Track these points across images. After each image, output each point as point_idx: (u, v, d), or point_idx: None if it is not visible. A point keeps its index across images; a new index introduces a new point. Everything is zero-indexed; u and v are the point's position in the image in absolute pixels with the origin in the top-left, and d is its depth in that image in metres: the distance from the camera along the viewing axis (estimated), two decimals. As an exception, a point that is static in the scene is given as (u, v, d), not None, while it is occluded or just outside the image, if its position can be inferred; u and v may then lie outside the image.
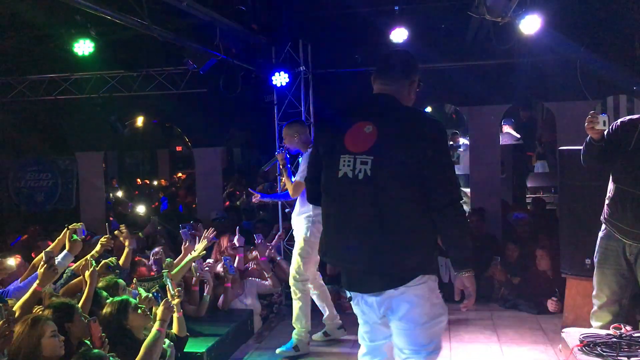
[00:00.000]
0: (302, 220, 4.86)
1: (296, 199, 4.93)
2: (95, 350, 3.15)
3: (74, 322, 3.36)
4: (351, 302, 2.83)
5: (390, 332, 2.73)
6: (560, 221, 5.31)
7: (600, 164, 3.86)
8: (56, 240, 4.43)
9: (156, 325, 3.51)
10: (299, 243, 4.89)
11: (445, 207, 2.56)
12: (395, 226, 2.57)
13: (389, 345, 2.79)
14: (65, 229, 4.35)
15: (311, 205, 4.70)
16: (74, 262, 4.37)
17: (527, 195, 9.93)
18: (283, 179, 4.98)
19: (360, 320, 2.87)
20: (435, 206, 2.56)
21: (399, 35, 6.31)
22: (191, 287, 5.38)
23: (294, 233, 5.07)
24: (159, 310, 3.63)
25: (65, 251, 4.17)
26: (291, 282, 4.90)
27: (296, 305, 4.90)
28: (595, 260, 4.05)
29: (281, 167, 4.91)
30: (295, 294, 4.89)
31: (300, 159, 4.92)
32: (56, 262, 3.88)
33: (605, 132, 3.70)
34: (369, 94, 2.84)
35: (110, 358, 3.19)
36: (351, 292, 2.79)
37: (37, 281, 3.52)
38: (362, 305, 2.76)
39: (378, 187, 2.56)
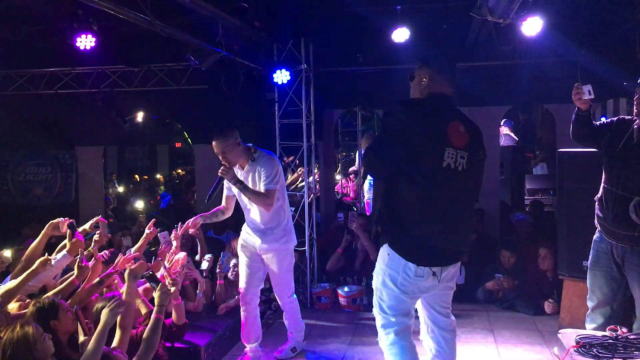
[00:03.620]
0: (279, 233, 4.52)
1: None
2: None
3: (60, 319, 3.41)
4: (415, 279, 3.05)
5: None
6: (559, 223, 5.34)
7: (588, 138, 3.96)
8: (39, 236, 4.44)
9: (154, 311, 3.49)
10: (285, 259, 4.59)
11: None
12: (472, 212, 3.31)
13: None
14: (48, 225, 4.38)
15: (285, 214, 4.55)
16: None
17: (526, 197, 9.95)
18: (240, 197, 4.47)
19: (408, 300, 3.13)
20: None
21: (400, 35, 6.31)
22: (182, 283, 5.38)
23: (263, 252, 4.58)
24: (156, 295, 3.61)
25: (64, 251, 4.18)
26: (283, 301, 4.77)
27: (289, 314, 4.87)
28: (588, 262, 4.09)
29: (236, 185, 4.27)
30: (288, 309, 4.83)
31: (260, 168, 4.35)
32: (53, 262, 3.95)
33: (604, 120, 3.93)
34: (437, 92, 3.14)
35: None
36: (427, 268, 3.04)
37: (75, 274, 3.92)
38: (428, 278, 3.05)
39: (470, 180, 3.08)
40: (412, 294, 3.11)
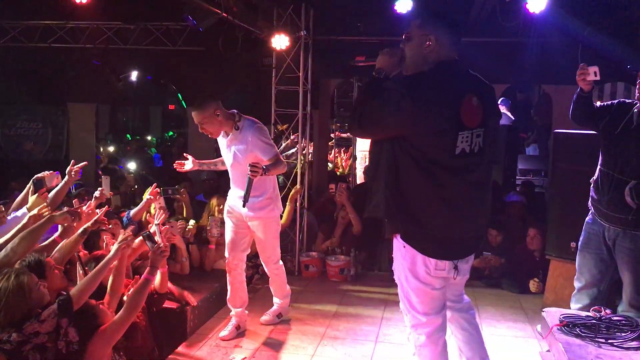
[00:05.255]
0: (264, 201, 4.46)
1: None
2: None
3: (47, 278, 3.34)
4: (436, 272, 2.79)
5: None
6: (549, 203, 5.36)
7: (587, 120, 3.95)
8: (24, 191, 4.38)
9: (146, 271, 3.46)
10: (271, 226, 4.57)
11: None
12: (489, 191, 2.89)
13: None
14: (31, 182, 4.31)
15: (270, 182, 4.49)
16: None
17: (517, 177, 9.99)
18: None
19: (435, 293, 2.84)
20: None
21: (403, 5, 6.23)
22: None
23: (249, 220, 4.52)
24: (150, 256, 3.57)
25: (24, 208, 4.08)
26: (269, 267, 4.77)
27: (275, 280, 4.88)
28: (579, 243, 4.12)
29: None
30: (274, 275, 4.83)
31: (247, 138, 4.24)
32: (8, 218, 3.89)
33: (605, 103, 3.92)
34: (447, 59, 2.74)
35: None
36: (448, 261, 2.80)
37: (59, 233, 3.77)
38: (450, 272, 2.82)
39: (487, 156, 2.77)
40: (439, 286, 2.84)
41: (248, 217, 4.53)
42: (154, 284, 4.13)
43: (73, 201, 4.44)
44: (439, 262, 2.77)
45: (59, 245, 3.73)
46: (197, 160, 4.66)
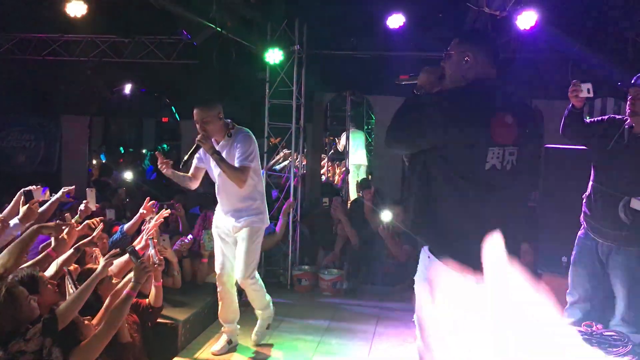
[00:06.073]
0: (252, 211, 4.41)
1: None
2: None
3: (41, 293, 3.29)
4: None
5: None
6: (541, 218, 5.37)
7: (578, 135, 3.95)
8: (11, 203, 4.36)
9: (128, 287, 3.38)
10: (255, 234, 4.43)
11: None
12: (522, 213, 2.88)
13: None
14: (19, 193, 4.29)
15: (258, 195, 4.45)
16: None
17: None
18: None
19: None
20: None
21: (395, 21, 6.30)
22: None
23: (236, 230, 4.43)
24: (134, 271, 3.47)
25: (15, 219, 4.02)
26: (246, 284, 4.52)
27: (254, 295, 4.67)
28: (571, 258, 4.13)
29: (212, 155, 4.09)
30: (250, 290, 4.61)
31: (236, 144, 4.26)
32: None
33: (595, 118, 3.93)
34: (484, 77, 2.73)
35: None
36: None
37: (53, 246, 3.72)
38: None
39: (521, 176, 2.73)
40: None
41: (235, 227, 4.45)
42: (149, 299, 4.12)
43: (65, 215, 4.42)
44: None
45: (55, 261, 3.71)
46: (169, 171, 4.40)
